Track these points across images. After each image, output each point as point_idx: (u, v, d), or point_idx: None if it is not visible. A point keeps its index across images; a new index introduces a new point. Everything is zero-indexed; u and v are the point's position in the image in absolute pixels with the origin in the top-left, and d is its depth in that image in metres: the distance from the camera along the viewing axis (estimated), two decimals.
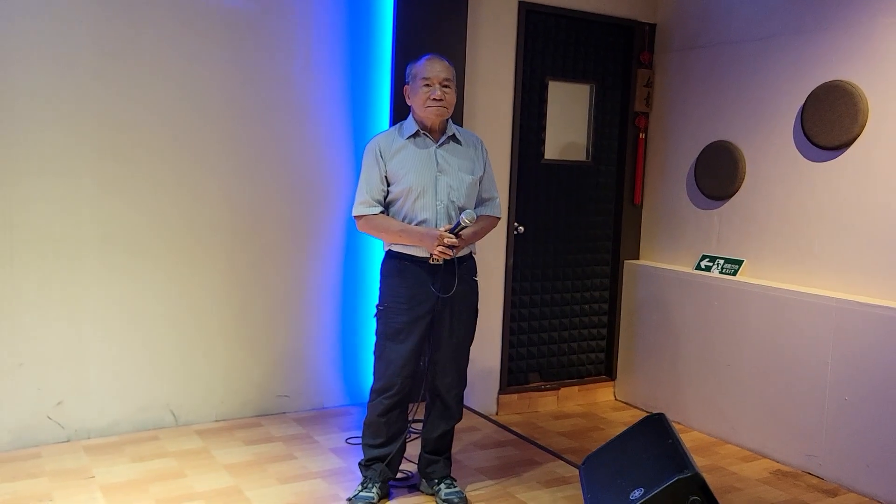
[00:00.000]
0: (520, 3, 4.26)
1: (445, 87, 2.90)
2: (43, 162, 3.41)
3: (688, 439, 4.07)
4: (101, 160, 3.53)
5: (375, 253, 4.17)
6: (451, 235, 2.79)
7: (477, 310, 3.08)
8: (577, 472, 3.48)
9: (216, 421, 3.88)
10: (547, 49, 4.46)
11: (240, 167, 3.84)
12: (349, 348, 4.17)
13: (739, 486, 3.54)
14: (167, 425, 3.78)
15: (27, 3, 3.30)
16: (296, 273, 4.02)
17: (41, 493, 3.02)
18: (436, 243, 2.79)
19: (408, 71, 2.99)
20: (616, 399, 4.88)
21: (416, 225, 2.89)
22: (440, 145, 2.96)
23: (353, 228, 4.11)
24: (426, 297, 2.93)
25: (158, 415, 3.76)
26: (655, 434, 2.66)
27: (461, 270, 2.95)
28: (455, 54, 4.03)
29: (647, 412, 4.62)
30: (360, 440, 3.62)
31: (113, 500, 2.97)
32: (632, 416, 4.51)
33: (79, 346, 3.55)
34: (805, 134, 3.86)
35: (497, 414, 4.43)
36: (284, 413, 4.04)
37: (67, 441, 3.55)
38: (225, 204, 3.82)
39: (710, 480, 2.73)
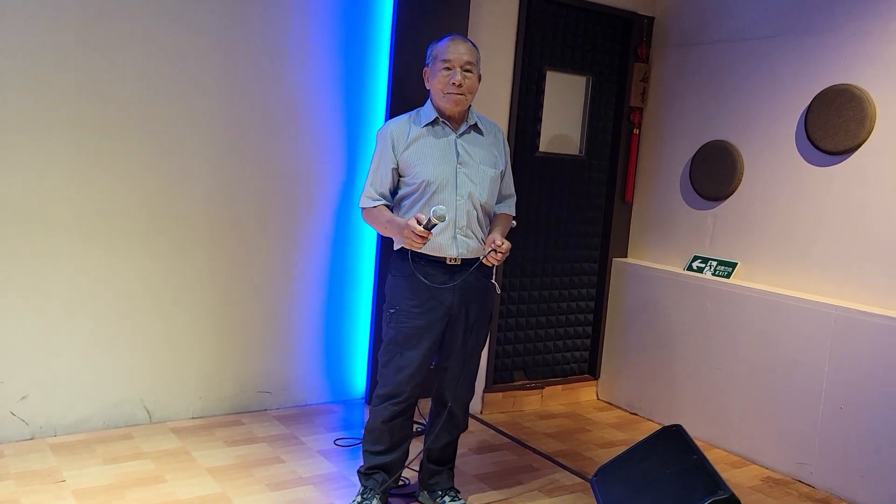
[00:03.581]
0: None
1: (467, 71, 2.67)
2: (14, 132, 3.12)
3: None
4: (79, 135, 3.25)
5: (365, 246, 3.98)
6: (420, 227, 2.53)
7: (492, 316, 2.91)
8: (577, 479, 3.38)
9: (193, 418, 3.65)
10: (546, 38, 4.31)
11: (227, 152, 3.59)
12: (334, 343, 3.98)
13: None
14: (141, 422, 3.54)
15: None
16: (279, 264, 3.80)
17: (7, 498, 2.77)
18: (405, 232, 2.57)
19: (428, 52, 2.76)
20: (598, 399, 4.80)
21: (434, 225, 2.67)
22: (461, 135, 2.75)
23: (341, 221, 3.92)
24: (442, 300, 2.74)
25: (131, 411, 3.52)
26: (676, 448, 2.57)
27: (479, 272, 2.77)
28: None
29: (630, 413, 4.57)
30: (349, 441, 3.48)
31: None
32: (616, 417, 4.44)
33: (46, 335, 3.29)
34: (808, 137, 3.80)
35: (482, 413, 4.30)
36: (266, 410, 3.83)
37: (32, 439, 3.29)
38: (208, 190, 3.57)
39: None
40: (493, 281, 2.87)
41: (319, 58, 3.75)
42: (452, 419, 2.90)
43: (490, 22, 4.03)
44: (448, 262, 2.72)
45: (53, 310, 3.29)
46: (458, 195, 2.70)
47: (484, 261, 2.68)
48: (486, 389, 4.33)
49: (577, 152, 4.56)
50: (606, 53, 4.55)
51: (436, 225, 2.54)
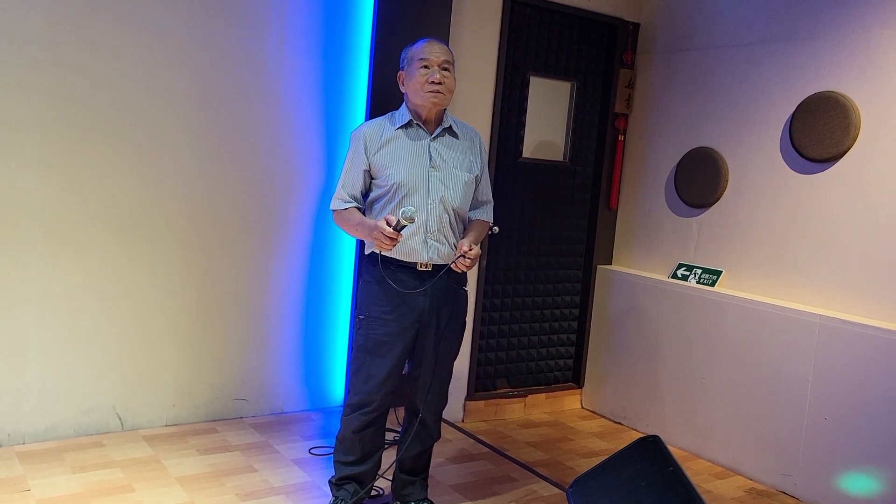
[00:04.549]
0: None
1: (445, 70, 2.64)
2: None
3: None
4: (49, 140, 3.19)
5: (344, 250, 3.93)
6: (389, 228, 2.47)
7: (465, 323, 2.85)
8: (555, 489, 3.32)
9: (166, 426, 3.58)
10: (530, 43, 4.27)
11: (201, 154, 3.53)
12: (312, 350, 3.92)
13: None
14: (112, 430, 3.47)
15: None
16: (256, 269, 3.74)
17: None
18: (374, 234, 2.51)
19: (402, 55, 2.73)
20: (582, 407, 4.74)
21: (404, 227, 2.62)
22: (435, 138, 2.70)
23: (319, 224, 3.87)
24: (413, 306, 2.68)
25: (103, 418, 3.45)
26: (652, 459, 2.50)
27: (451, 278, 2.72)
28: None
29: (614, 422, 4.52)
30: (324, 450, 3.43)
31: None
32: (599, 426, 4.39)
33: (16, 341, 3.22)
34: (793, 144, 3.77)
35: (463, 421, 4.24)
36: (241, 418, 3.77)
37: None
38: (183, 193, 3.51)
39: None
40: (466, 288, 2.81)
41: (298, 61, 3.70)
42: (424, 429, 2.84)
43: (472, 26, 3.98)
44: (419, 267, 2.67)
45: (23, 313, 3.23)
46: (429, 199, 2.64)
47: (452, 266, 2.62)
48: (468, 397, 4.27)
49: (561, 158, 4.51)
50: (591, 59, 4.51)
51: (405, 227, 2.49)
